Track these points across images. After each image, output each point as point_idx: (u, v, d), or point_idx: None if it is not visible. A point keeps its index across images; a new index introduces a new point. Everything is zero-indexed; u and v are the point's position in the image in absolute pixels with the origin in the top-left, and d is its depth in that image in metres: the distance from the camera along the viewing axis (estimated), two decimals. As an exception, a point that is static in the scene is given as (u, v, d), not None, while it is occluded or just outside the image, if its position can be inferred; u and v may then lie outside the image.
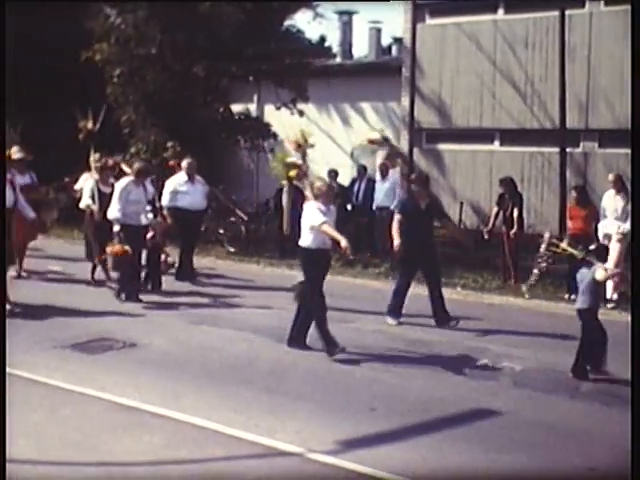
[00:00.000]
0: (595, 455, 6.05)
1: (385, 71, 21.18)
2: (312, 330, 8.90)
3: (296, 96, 19.38)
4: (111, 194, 11.43)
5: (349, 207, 16.29)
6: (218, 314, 10.77)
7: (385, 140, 16.55)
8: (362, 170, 17.00)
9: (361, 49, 28.92)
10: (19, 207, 10.45)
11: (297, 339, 8.95)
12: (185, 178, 12.99)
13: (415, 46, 17.04)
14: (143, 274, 11.94)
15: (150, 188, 11.95)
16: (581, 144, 17.72)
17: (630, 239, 8.13)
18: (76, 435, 6.11)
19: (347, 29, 25.63)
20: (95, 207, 11.88)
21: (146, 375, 7.79)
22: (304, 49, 26.21)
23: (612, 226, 11.87)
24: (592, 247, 8.38)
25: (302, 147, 14.42)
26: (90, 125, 12.76)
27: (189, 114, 18.23)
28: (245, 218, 16.47)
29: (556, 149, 15.92)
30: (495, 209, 13.83)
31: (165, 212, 12.64)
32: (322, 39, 36.03)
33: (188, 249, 13.10)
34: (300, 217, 9.04)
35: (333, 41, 30.29)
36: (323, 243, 8.70)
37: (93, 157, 12.45)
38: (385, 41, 28.66)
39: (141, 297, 11.21)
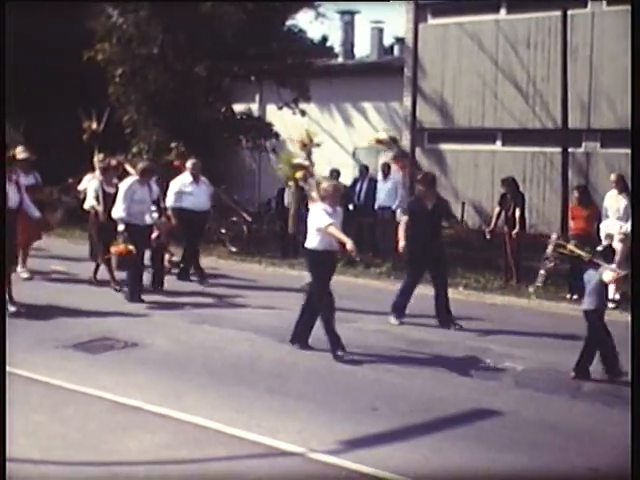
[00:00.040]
0: (596, 455, 6.05)
1: (387, 71, 21.18)
2: (314, 330, 8.92)
3: (298, 96, 19.39)
4: (115, 194, 11.44)
5: (351, 207, 16.30)
6: (220, 314, 10.78)
7: (393, 141, 16.51)
8: (364, 170, 17.01)
9: (363, 49, 28.97)
10: (24, 207, 10.44)
11: (300, 338, 8.95)
12: (190, 179, 12.97)
13: (417, 46, 17.01)
14: (149, 274, 11.96)
15: (155, 188, 11.96)
16: (583, 144, 17.71)
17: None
18: (78, 435, 6.12)
19: (349, 29, 25.64)
20: (99, 208, 11.88)
21: (148, 375, 7.79)
22: (306, 49, 26.20)
23: (614, 226, 11.88)
24: (599, 248, 8.37)
25: (307, 146, 14.42)
26: (94, 126, 12.76)
27: (191, 114, 18.24)
28: (249, 219, 16.47)
29: (558, 149, 15.91)
30: (497, 209, 13.83)
31: (170, 213, 12.63)
32: (324, 39, 36.06)
33: (192, 250, 13.09)
34: (305, 217, 9.03)
35: (335, 41, 30.30)
36: (330, 245, 8.68)
37: (97, 157, 12.45)
38: (387, 41, 28.73)
39: (143, 297, 11.22)
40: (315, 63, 21.46)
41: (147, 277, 11.90)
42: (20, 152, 12.01)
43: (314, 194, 9.50)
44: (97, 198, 11.95)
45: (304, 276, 9.27)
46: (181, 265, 13.17)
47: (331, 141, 20.68)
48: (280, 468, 5.67)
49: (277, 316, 10.54)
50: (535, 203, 17.56)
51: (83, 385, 7.27)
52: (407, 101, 19.32)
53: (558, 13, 15.86)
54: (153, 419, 6.53)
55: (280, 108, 19.74)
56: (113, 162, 12.49)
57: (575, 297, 12.11)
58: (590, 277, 8.05)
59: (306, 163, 14.37)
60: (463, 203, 18.03)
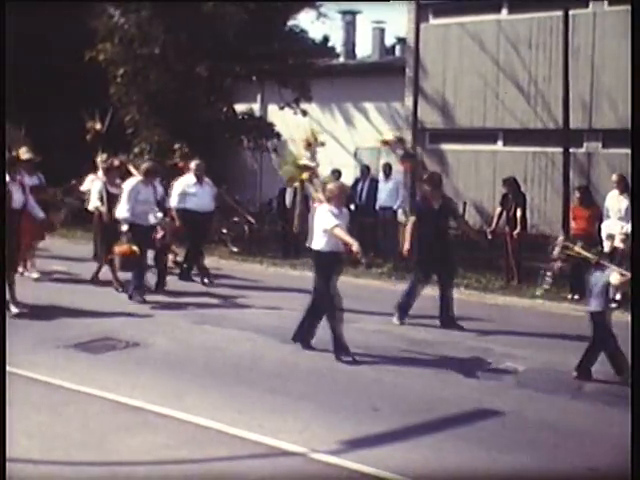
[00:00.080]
0: (596, 455, 6.06)
1: (388, 71, 21.16)
2: (317, 331, 8.93)
3: (299, 96, 19.39)
4: (119, 195, 11.45)
5: (352, 207, 16.31)
6: (221, 314, 10.79)
7: (400, 141, 16.49)
8: (365, 170, 17.02)
9: (364, 49, 28.88)
10: (29, 208, 10.44)
11: (303, 338, 8.95)
12: (194, 180, 12.96)
13: (418, 46, 16.99)
14: (153, 274, 11.97)
15: (159, 188, 11.97)
16: (585, 144, 17.69)
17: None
18: (79, 435, 6.13)
19: (350, 29, 25.62)
20: (103, 208, 11.88)
21: (149, 375, 7.80)
22: (307, 49, 26.20)
23: (615, 226, 11.86)
24: (606, 250, 8.34)
25: (312, 145, 14.41)
26: (98, 126, 12.78)
27: (192, 114, 18.24)
28: (252, 221, 16.47)
29: (559, 149, 15.88)
30: (498, 209, 13.84)
31: (174, 214, 12.62)
32: (325, 39, 36.02)
33: (196, 250, 13.09)
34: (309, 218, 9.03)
35: (336, 41, 30.24)
36: (336, 246, 8.68)
37: (100, 157, 12.45)
38: (388, 41, 28.70)
39: (145, 297, 11.23)
40: (316, 63, 21.46)
41: (150, 277, 11.90)
42: (24, 153, 12.01)
43: (320, 195, 9.49)
44: (101, 199, 11.95)
45: (306, 276, 9.27)
46: (184, 265, 13.18)
47: (332, 141, 20.66)
48: (282, 468, 5.68)
49: (279, 316, 10.56)
50: (536, 203, 17.54)
51: (84, 385, 7.28)
52: (408, 101, 19.31)
53: (560, 13, 15.84)
54: (154, 419, 6.54)
55: (281, 108, 19.74)
56: (116, 162, 12.51)
57: (576, 297, 12.13)
58: (597, 279, 8.03)
59: (312, 164, 14.37)
60: (464, 203, 18.02)
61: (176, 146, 16.53)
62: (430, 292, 10.63)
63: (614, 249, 8.46)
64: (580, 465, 5.86)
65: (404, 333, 9.93)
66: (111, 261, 11.65)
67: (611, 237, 11.01)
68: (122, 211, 11.21)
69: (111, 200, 11.73)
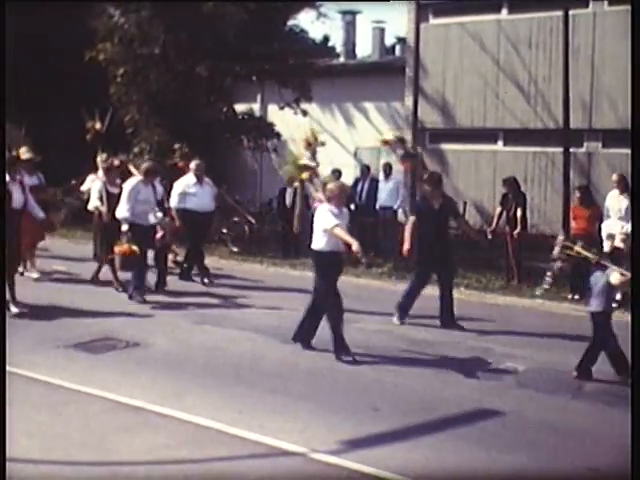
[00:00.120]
0: (596, 455, 6.06)
1: (388, 71, 21.17)
2: (318, 331, 8.93)
3: (299, 96, 19.40)
4: (119, 195, 11.45)
5: (352, 207, 16.30)
6: (221, 314, 10.79)
7: (400, 141, 16.44)
8: (365, 170, 17.02)
9: (364, 49, 28.89)
10: (29, 208, 10.43)
11: (303, 338, 8.95)
12: (194, 180, 12.94)
13: (419, 46, 17.00)
14: (153, 274, 11.97)
15: (159, 188, 11.97)
16: (585, 144, 17.70)
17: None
18: (79, 434, 6.12)
19: (350, 29, 25.63)
20: (104, 208, 11.88)
21: (149, 375, 7.80)
22: (307, 49, 26.20)
23: (616, 226, 11.86)
24: (607, 250, 8.33)
25: (312, 145, 14.40)
26: (98, 126, 12.76)
27: (192, 114, 18.24)
28: (253, 221, 16.46)
29: (560, 149, 15.89)
30: (498, 209, 13.84)
31: (174, 214, 12.61)
32: (325, 39, 36.02)
33: (196, 250, 13.09)
34: (310, 217, 9.02)
35: (336, 41, 30.24)
36: (336, 246, 8.67)
37: (100, 157, 12.44)
38: (388, 41, 28.70)
39: (145, 297, 11.23)
40: (317, 63, 21.47)
41: (150, 277, 11.90)
42: (24, 152, 12.00)
43: (320, 195, 9.48)
44: (101, 198, 11.95)
45: (306, 276, 9.27)
46: (184, 265, 13.18)
47: (332, 141, 20.67)
48: (282, 468, 5.67)
49: (279, 316, 10.55)
50: (536, 203, 17.55)
51: (84, 385, 7.28)
52: (409, 101, 19.32)
53: (560, 13, 15.84)
54: (154, 419, 6.54)
55: (282, 108, 19.75)
56: (116, 162, 12.50)
57: (576, 297, 12.13)
58: (597, 279, 8.02)
59: (312, 164, 14.35)
60: (465, 203, 18.01)
61: (176, 146, 16.51)
62: (430, 292, 10.63)
63: (615, 249, 8.44)
64: (580, 465, 5.86)
65: (404, 333, 9.93)
66: (111, 261, 11.65)
67: (611, 237, 11.00)
68: (122, 211, 11.22)
69: (111, 200, 11.73)
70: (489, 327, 10.47)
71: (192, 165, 13.10)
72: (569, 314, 11.37)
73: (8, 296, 9.94)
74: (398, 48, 26.66)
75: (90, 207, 12.33)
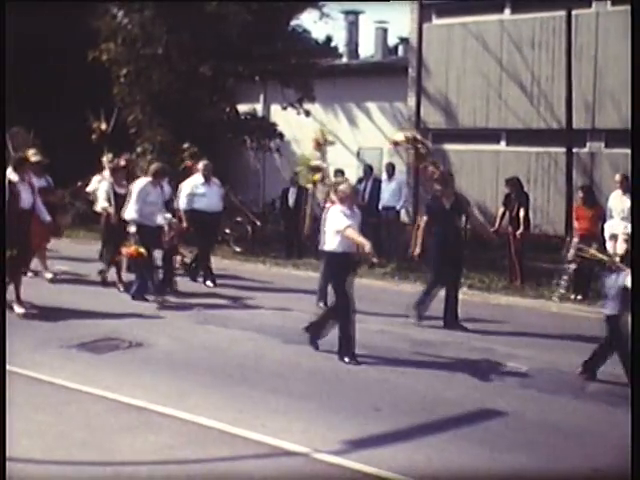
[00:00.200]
0: (598, 455, 6.06)
1: (391, 71, 21.16)
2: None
3: (302, 96, 19.38)
4: (126, 195, 11.43)
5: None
6: (224, 314, 10.78)
7: (414, 139, 16.27)
8: (368, 170, 17.01)
9: (367, 49, 28.95)
10: (36, 210, 10.41)
11: (313, 333, 8.92)
12: (202, 180, 12.86)
13: (421, 46, 17.02)
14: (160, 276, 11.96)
15: (167, 189, 11.94)
16: (588, 144, 17.68)
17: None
18: (81, 434, 6.12)
19: (353, 29, 25.62)
20: (112, 209, 11.86)
21: (152, 375, 7.80)
22: (310, 49, 26.21)
23: (618, 226, 11.81)
24: (621, 253, 8.24)
25: (322, 146, 14.37)
26: (103, 126, 12.74)
27: (195, 114, 18.23)
28: (258, 222, 16.44)
29: (562, 149, 15.89)
30: (501, 209, 13.83)
31: (182, 215, 12.55)
32: (328, 39, 36.04)
33: (205, 251, 13.05)
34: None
35: (339, 41, 30.31)
36: (348, 247, 8.63)
37: (106, 157, 12.44)
38: (391, 41, 28.63)
39: (147, 297, 11.22)
40: (319, 63, 21.45)
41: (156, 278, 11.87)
42: (32, 155, 11.95)
43: (332, 195, 9.44)
44: (108, 199, 11.94)
45: (309, 277, 9.25)
46: (192, 265, 13.15)
47: (335, 141, 20.67)
48: (284, 468, 5.67)
49: (281, 316, 10.56)
50: (539, 203, 17.53)
51: (87, 385, 7.29)
52: (411, 101, 19.36)
53: (562, 13, 15.84)
54: (157, 419, 6.54)
55: (284, 108, 19.74)
56: (122, 162, 12.48)
57: (579, 298, 12.11)
58: (612, 282, 7.97)
59: (324, 165, 14.33)
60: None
61: (185, 145, 16.48)
62: (445, 291, 10.58)
63: (629, 251, 8.40)
64: (583, 465, 5.85)
65: (407, 333, 9.92)
66: (117, 262, 11.64)
67: (614, 237, 10.99)
68: (130, 212, 11.20)
69: (118, 200, 11.71)
70: (492, 327, 10.46)
71: (200, 165, 13.02)
72: (572, 314, 11.36)
73: (13, 296, 9.94)
74: (401, 48, 26.62)
75: (98, 208, 12.31)
